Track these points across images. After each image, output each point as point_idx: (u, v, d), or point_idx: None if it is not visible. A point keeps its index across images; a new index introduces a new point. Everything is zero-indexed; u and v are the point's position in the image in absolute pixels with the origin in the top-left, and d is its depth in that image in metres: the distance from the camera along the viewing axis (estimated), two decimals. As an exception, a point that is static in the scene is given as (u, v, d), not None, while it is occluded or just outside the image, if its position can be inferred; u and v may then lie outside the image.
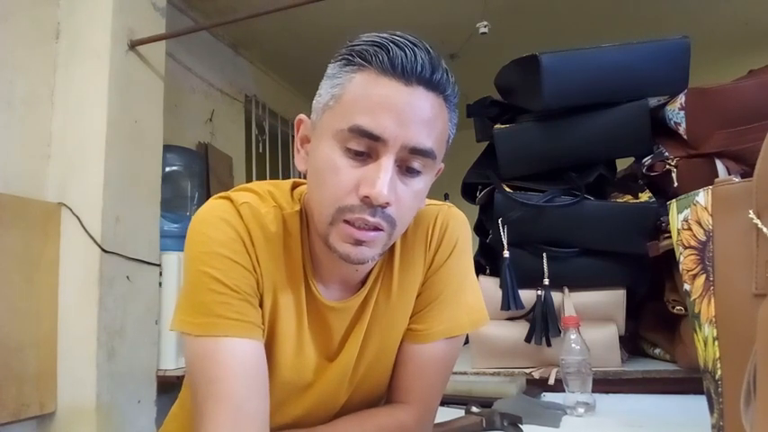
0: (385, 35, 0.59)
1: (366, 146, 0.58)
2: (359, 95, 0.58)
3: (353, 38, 0.62)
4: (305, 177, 0.68)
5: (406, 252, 0.73)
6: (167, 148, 2.22)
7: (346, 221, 0.59)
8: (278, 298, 0.67)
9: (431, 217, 0.75)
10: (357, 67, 0.59)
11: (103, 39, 1.82)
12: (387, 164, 0.58)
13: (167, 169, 2.36)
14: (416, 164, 0.60)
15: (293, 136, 0.70)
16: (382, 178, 0.57)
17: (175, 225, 2.14)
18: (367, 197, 0.57)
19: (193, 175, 2.62)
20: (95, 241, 1.72)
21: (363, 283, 0.72)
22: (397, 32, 0.60)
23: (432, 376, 0.74)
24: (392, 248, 0.73)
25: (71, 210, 1.76)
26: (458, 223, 0.76)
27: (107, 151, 1.77)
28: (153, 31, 1.96)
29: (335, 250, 0.61)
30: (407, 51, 0.57)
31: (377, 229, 0.60)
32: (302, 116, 0.67)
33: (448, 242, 0.74)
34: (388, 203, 0.58)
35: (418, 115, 0.58)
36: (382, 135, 0.57)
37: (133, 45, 1.89)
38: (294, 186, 0.73)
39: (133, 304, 1.82)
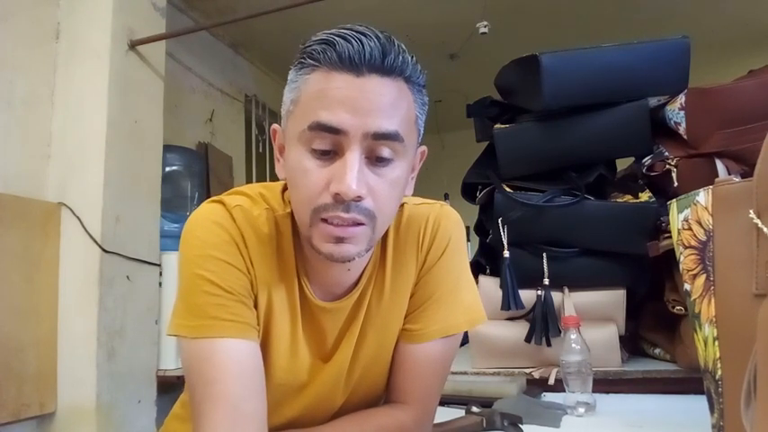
0: (333, 31, 0.59)
1: (330, 143, 0.58)
2: (313, 95, 0.58)
3: (305, 39, 0.61)
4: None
5: (398, 252, 0.73)
6: (167, 148, 2.22)
7: (324, 220, 0.59)
8: (272, 299, 0.67)
9: (423, 216, 0.74)
10: (310, 68, 0.59)
11: (103, 39, 1.82)
12: (352, 158, 0.57)
13: (167, 169, 2.36)
14: (385, 151, 0.59)
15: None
16: (349, 173, 0.56)
17: (175, 225, 2.14)
18: (338, 194, 0.57)
19: (193, 175, 2.62)
20: (95, 241, 1.72)
21: (356, 284, 0.72)
22: (347, 25, 0.59)
23: (429, 376, 0.74)
24: (384, 248, 0.73)
25: (71, 210, 1.76)
26: (450, 222, 0.75)
27: (107, 151, 1.77)
28: (153, 31, 1.96)
29: (319, 251, 0.61)
30: (354, 43, 0.57)
31: (357, 224, 0.59)
32: (276, 126, 0.68)
33: (440, 241, 0.74)
34: (359, 197, 0.58)
35: (375, 103, 0.57)
36: (341, 126, 0.57)
37: (133, 45, 1.89)
38: (285, 188, 0.73)
39: (133, 304, 1.82)
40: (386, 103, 0.58)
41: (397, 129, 0.59)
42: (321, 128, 0.57)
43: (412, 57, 0.61)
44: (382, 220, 0.62)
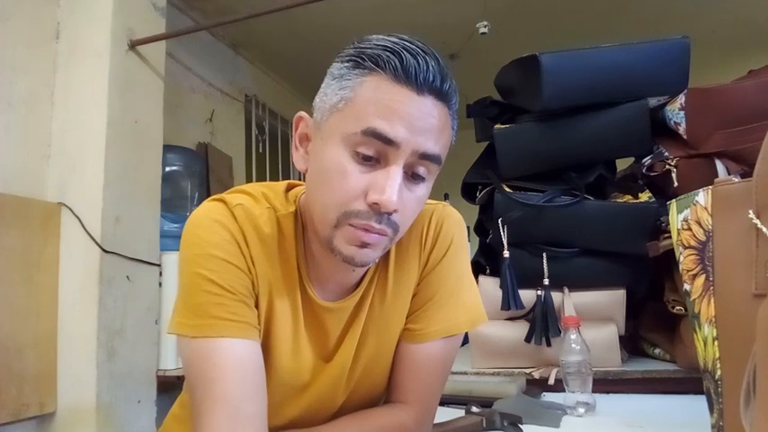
0: (395, 40, 0.59)
1: (376, 150, 0.58)
2: (371, 99, 0.58)
3: (360, 39, 0.62)
4: (304, 176, 0.67)
5: (400, 252, 0.73)
6: (167, 148, 2.22)
7: (351, 225, 0.59)
8: (273, 299, 0.67)
9: (425, 217, 0.74)
10: (368, 70, 0.59)
11: (103, 39, 1.82)
12: (396, 171, 0.58)
13: (167, 169, 2.36)
14: (423, 170, 0.61)
15: (293, 135, 0.69)
16: (392, 185, 0.57)
17: (175, 225, 2.14)
18: (376, 204, 0.58)
19: (193, 175, 2.62)
20: (95, 241, 1.72)
21: (358, 284, 0.72)
22: (406, 37, 0.60)
23: (430, 376, 0.74)
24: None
25: (71, 210, 1.76)
26: (453, 222, 0.76)
27: (107, 151, 1.77)
28: (153, 31, 1.96)
29: (339, 252, 0.61)
30: (420, 60, 0.57)
31: (381, 233, 0.60)
32: (303, 114, 0.67)
33: (443, 241, 0.74)
34: (395, 210, 0.58)
35: (429, 123, 0.58)
36: (395, 139, 0.57)
37: (133, 45, 1.89)
38: (289, 188, 0.73)
39: (133, 304, 1.82)
40: (436, 126, 0.59)
41: (440, 152, 0.61)
42: (376, 136, 0.57)
43: (455, 84, 0.62)
44: (401, 233, 0.64)
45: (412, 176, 0.61)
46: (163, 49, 2.07)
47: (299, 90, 3.93)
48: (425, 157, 0.59)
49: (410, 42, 0.59)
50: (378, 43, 0.59)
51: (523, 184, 1.40)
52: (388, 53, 0.58)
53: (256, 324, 0.65)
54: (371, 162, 0.59)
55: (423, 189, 0.63)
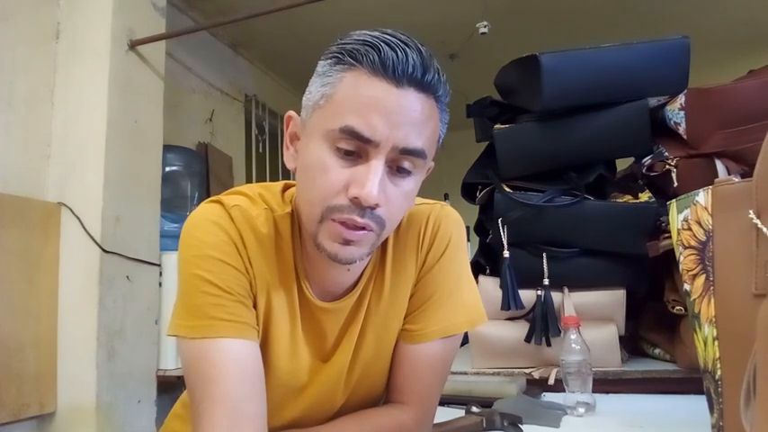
0: (376, 33, 0.59)
1: (356, 146, 0.58)
2: (349, 96, 0.58)
3: (344, 35, 0.61)
4: (294, 176, 0.67)
5: (398, 252, 0.73)
6: (167, 148, 2.22)
7: (333, 221, 0.59)
8: (271, 299, 0.67)
9: (423, 216, 0.74)
10: (347, 66, 0.58)
11: (103, 39, 1.82)
12: (377, 165, 0.57)
13: (167, 169, 2.36)
14: (407, 164, 0.60)
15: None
16: (372, 179, 0.57)
17: (175, 225, 2.15)
18: (356, 198, 0.57)
19: (193, 175, 2.62)
20: (95, 241, 1.72)
21: (356, 284, 0.72)
22: (389, 30, 0.59)
23: (429, 376, 0.74)
24: (384, 249, 0.73)
25: (71, 210, 1.76)
26: (450, 222, 0.75)
27: (107, 151, 1.77)
28: (153, 31, 1.96)
29: (324, 249, 0.61)
30: (399, 52, 0.57)
31: (365, 228, 0.59)
32: (292, 113, 0.67)
33: (440, 241, 0.74)
34: (377, 205, 0.58)
35: (409, 117, 0.58)
36: (372, 137, 0.57)
37: (133, 45, 1.89)
38: (285, 188, 0.73)
39: (133, 304, 1.82)
40: (418, 120, 0.58)
41: (423, 146, 0.59)
42: (353, 134, 0.57)
43: (443, 75, 0.61)
44: (389, 228, 0.63)
45: (397, 170, 0.60)
46: (163, 49, 2.07)
47: (299, 90, 3.87)
48: (407, 152, 0.59)
49: (391, 35, 0.58)
50: (357, 38, 0.59)
51: (523, 184, 1.40)
52: (366, 47, 0.57)
53: (255, 324, 0.65)
54: (353, 157, 0.58)
55: (410, 183, 0.62)
